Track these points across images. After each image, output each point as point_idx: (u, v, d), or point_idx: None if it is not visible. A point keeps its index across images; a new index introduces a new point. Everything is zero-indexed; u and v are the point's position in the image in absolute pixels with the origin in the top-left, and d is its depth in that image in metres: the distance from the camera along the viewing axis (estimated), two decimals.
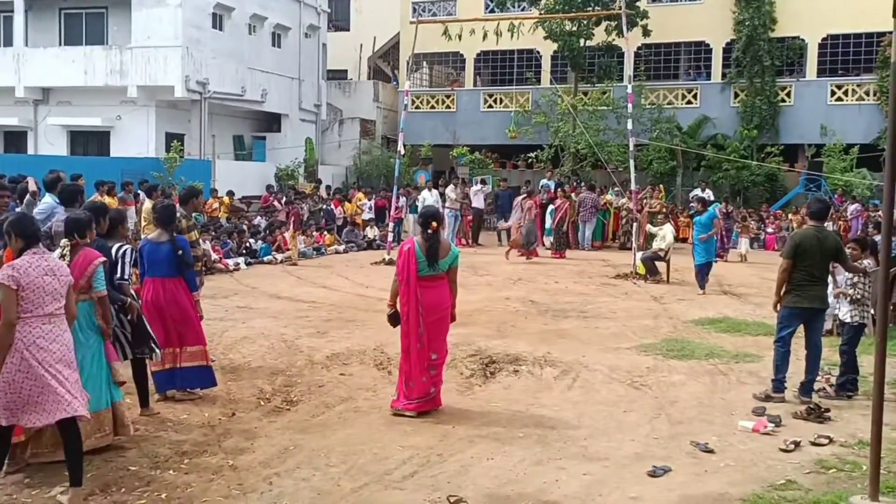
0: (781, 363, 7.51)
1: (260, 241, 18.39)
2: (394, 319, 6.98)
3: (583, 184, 24.16)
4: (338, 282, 15.15)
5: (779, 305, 7.63)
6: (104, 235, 6.39)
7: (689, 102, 28.71)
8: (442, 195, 21.68)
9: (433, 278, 6.89)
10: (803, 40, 27.56)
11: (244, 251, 17.63)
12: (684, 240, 21.69)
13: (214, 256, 15.93)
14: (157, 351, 6.74)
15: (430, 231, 6.83)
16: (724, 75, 28.34)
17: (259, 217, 21.32)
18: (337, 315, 11.53)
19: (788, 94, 27.59)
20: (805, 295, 7.41)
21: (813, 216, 7.66)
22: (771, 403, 7.30)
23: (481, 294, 13.50)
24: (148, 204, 13.96)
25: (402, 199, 22.20)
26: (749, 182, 26.45)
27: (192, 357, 7.21)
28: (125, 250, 6.44)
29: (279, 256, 17.97)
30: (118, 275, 6.34)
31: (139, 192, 17.60)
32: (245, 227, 19.09)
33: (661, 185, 23.98)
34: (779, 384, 7.49)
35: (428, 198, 21.28)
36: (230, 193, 21.77)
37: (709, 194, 23.76)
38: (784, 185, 26.73)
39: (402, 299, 6.89)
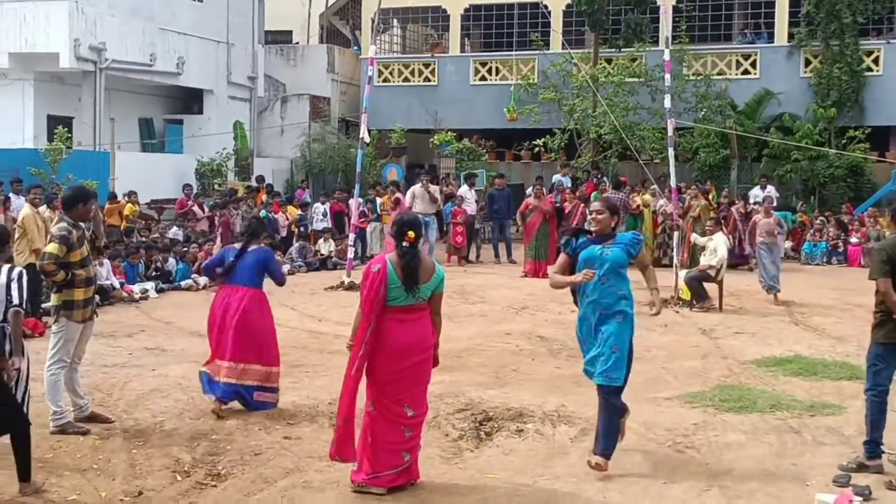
0: (877, 419, 7.49)
1: (175, 260, 18.34)
2: None
3: (605, 179, 24.27)
4: (281, 313, 15.03)
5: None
6: None
7: (745, 72, 28.97)
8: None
9: (411, 309, 6.88)
10: None
11: (154, 273, 17.56)
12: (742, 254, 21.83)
13: (114, 281, 15.86)
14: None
15: (406, 244, 6.83)
16: (791, 36, 28.60)
17: (175, 228, 21.29)
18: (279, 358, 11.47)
19: (876, 61, 27.88)
20: None
21: None
22: (861, 473, 7.31)
23: (473, 328, 13.50)
24: (27, 210, 13.91)
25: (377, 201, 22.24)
26: (826, 176, 26.63)
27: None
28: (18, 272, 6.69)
29: (201, 280, 17.91)
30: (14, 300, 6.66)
31: (8, 195, 17.53)
32: (155, 242, 19.03)
33: (710, 181, 24.12)
34: (874, 447, 7.47)
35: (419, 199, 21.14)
36: (130, 194, 21.65)
37: (771, 193, 24.01)
38: (872, 179, 26.92)
39: (369, 336, 6.86)
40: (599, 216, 7.60)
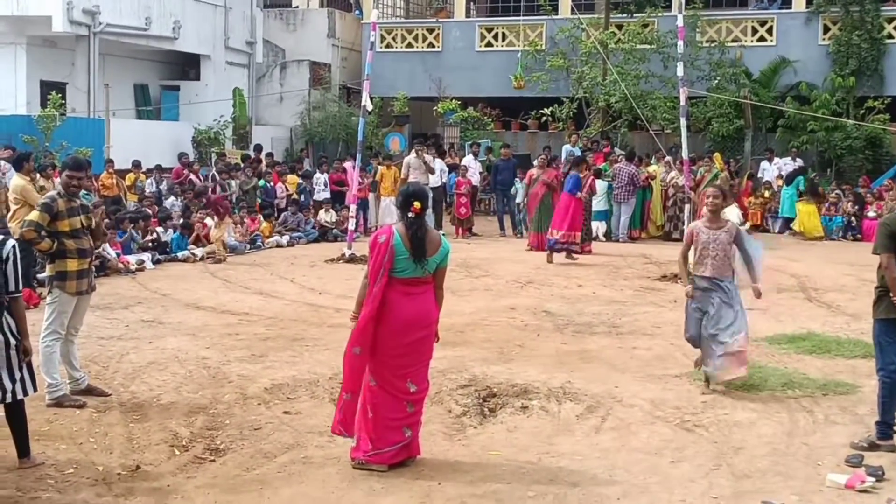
0: (888, 401, 7.54)
1: (172, 231, 18.38)
2: None
3: (616, 150, 24.23)
4: (280, 286, 15.15)
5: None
6: None
7: (761, 39, 28.85)
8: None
9: (417, 282, 6.93)
10: None
11: (150, 244, 17.61)
12: (756, 226, 21.85)
13: (111, 252, 15.91)
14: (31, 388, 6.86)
15: (411, 215, 6.87)
16: (809, 2, 28.47)
17: (172, 197, 21.32)
18: (279, 332, 11.55)
19: None
20: None
21: None
22: (875, 453, 7.37)
23: (477, 302, 13.54)
24: (18, 180, 13.94)
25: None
26: (844, 148, 26.58)
27: None
28: (12, 246, 6.62)
29: (199, 252, 17.96)
30: (10, 285, 6.59)
31: (1, 161, 17.57)
32: (151, 212, 19.07)
33: (716, 153, 24.00)
34: (885, 429, 7.54)
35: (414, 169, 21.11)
36: (135, 164, 21.79)
37: (779, 167, 23.97)
38: (891, 151, 26.91)
39: (366, 310, 6.90)
40: None
